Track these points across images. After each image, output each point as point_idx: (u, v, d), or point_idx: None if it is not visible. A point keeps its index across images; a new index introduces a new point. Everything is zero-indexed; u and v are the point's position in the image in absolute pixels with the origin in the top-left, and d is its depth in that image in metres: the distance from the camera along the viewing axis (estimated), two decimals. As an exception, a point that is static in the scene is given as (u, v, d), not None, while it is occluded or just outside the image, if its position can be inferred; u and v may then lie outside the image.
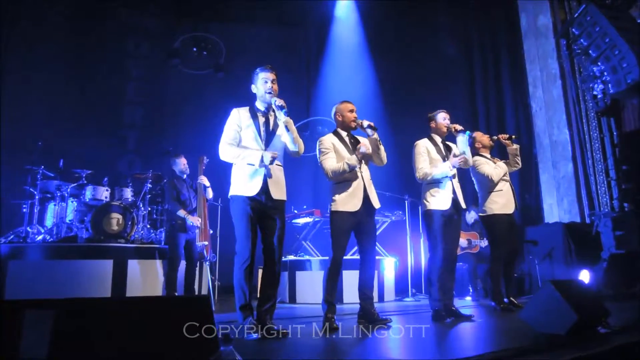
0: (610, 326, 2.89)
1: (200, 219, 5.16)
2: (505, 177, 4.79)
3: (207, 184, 5.35)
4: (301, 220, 6.83)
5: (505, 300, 4.63)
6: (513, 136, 4.93)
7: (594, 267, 5.83)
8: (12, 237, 5.65)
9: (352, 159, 3.52)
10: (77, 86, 7.63)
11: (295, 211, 6.69)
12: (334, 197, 3.58)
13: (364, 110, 8.23)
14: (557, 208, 7.74)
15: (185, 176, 5.43)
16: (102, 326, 1.58)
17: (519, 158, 4.89)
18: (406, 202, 6.81)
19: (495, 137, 4.97)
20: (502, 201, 4.69)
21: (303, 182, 8.07)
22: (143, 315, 1.65)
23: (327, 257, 3.64)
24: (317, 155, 3.68)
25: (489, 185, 4.75)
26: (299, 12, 9.24)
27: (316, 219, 6.61)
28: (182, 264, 5.29)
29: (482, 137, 4.94)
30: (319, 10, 9.34)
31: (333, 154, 3.63)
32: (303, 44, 9.94)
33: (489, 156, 4.87)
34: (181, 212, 5.13)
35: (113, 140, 8.20)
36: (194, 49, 8.79)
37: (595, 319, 2.87)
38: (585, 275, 5.67)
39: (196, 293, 5.48)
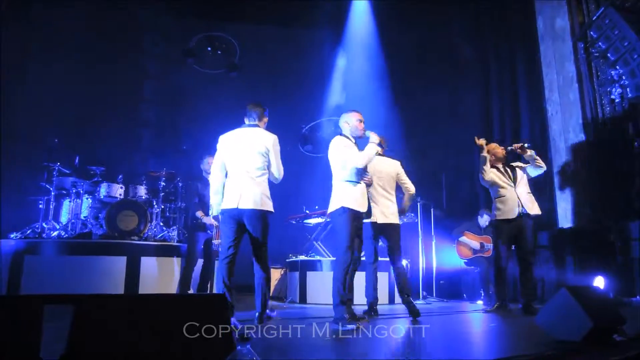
0: (626, 334, 2.85)
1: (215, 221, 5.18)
2: (506, 184, 4.88)
3: None
4: (312, 221, 6.83)
5: (518, 304, 4.70)
6: (525, 144, 4.97)
7: (608, 273, 5.75)
8: (28, 232, 5.73)
9: (373, 137, 3.78)
10: (93, 84, 7.69)
11: (307, 211, 6.68)
12: (348, 196, 3.69)
13: (377, 112, 8.28)
14: (571, 213, 7.64)
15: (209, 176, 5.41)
16: (118, 323, 1.59)
17: (539, 160, 4.97)
18: (418, 204, 6.78)
19: (510, 148, 5.06)
20: (503, 208, 4.92)
21: (314, 182, 8.07)
22: (158, 313, 1.66)
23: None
24: (337, 151, 3.77)
25: (493, 192, 5.03)
26: (314, 12, 9.24)
27: (327, 220, 6.60)
28: (199, 263, 5.33)
29: (496, 149, 5.08)
30: (334, 11, 9.33)
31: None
32: (317, 44, 9.93)
33: (500, 167, 5.03)
34: (198, 214, 5.16)
35: (128, 138, 8.26)
36: (209, 49, 8.84)
37: (611, 326, 2.83)
38: (599, 282, 5.59)
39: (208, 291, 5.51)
